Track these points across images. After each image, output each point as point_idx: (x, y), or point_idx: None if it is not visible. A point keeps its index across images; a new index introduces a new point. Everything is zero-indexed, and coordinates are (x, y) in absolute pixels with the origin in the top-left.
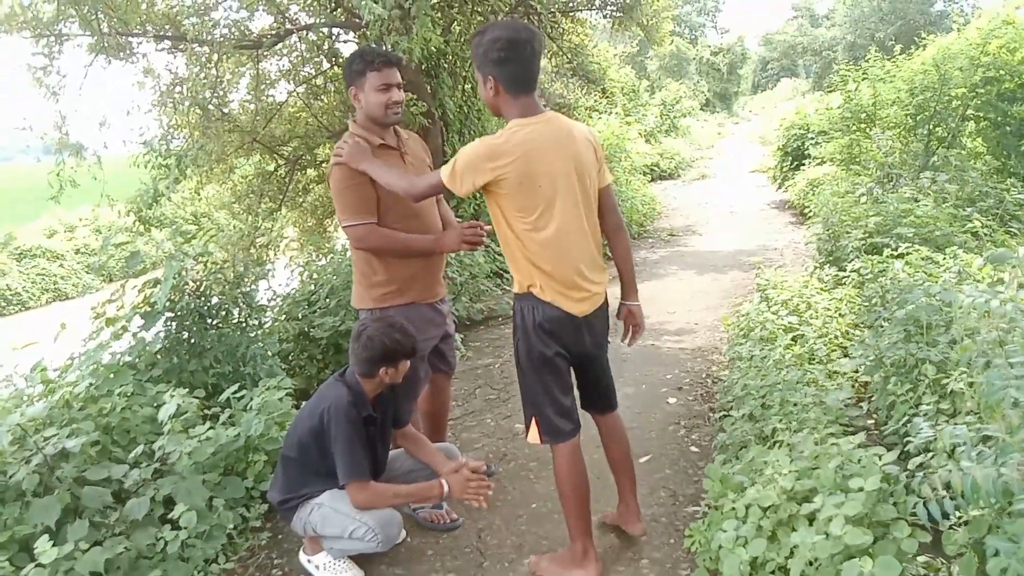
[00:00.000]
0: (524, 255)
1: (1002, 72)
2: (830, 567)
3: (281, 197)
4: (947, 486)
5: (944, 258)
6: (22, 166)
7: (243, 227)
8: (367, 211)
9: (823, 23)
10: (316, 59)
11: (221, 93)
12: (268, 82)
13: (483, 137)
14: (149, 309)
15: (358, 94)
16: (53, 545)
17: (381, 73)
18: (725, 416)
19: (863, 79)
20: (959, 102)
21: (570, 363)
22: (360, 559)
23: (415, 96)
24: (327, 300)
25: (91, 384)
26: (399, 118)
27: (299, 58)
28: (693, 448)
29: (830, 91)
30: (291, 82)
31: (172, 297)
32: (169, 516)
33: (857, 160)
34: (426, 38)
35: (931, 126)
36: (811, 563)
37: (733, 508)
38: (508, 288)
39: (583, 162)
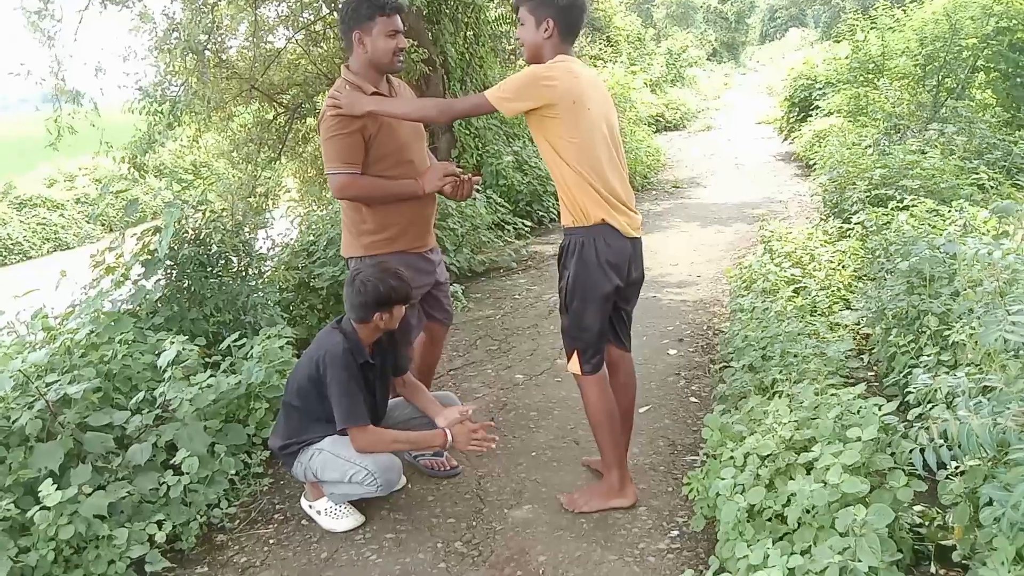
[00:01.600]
0: (580, 181)
1: (1015, 22)
2: (826, 515)
3: (280, 146)
4: (944, 435)
5: (949, 211)
6: (21, 115)
7: (242, 176)
8: (352, 160)
9: None
10: (315, 4)
11: (219, 39)
12: (266, 28)
13: (533, 66)
14: (149, 257)
15: (363, 39)
16: (57, 489)
17: (391, 19)
18: (725, 367)
19: (872, 28)
20: (969, 52)
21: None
22: (361, 505)
23: (416, 43)
24: (326, 250)
25: (92, 331)
26: (403, 66)
27: (298, 4)
28: (693, 399)
29: (838, 41)
30: (290, 28)
31: (172, 245)
32: (171, 462)
33: (864, 111)
34: None
35: (940, 77)
36: (808, 511)
37: (731, 457)
38: (510, 240)
39: (612, 106)
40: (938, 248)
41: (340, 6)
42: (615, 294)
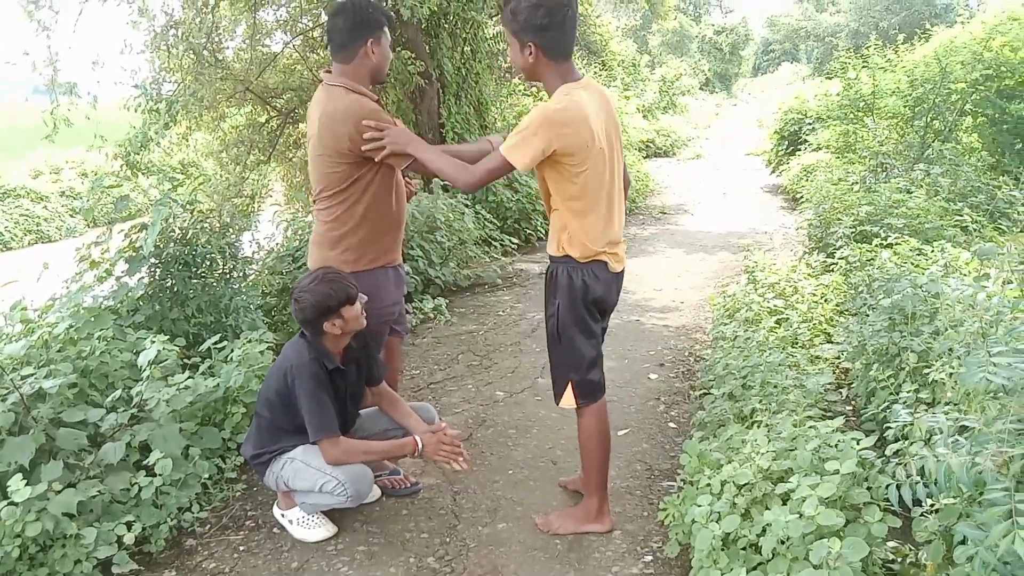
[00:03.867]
0: (578, 218)
1: (1003, 69)
2: (801, 546)
3: (271, 150)
4: (921, 472)
5: (932, 250)
6: (9, 104)
7: (230, 177)
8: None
9: (828, 8)
10: (314, 11)
11: (216, 39)
12: (264, 31)
13: (539, 106)
14: (134, 254)
15: (374, 47)
16: (26, 484)
17: (392, 31)
18: (705, 394)
19: (864, 67)
20: (958, 96)
21: None
22: (334, 516)
23: (413, 55)
24: None
25: (71, 326)
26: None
27: (297, 9)
28: (671, 424)
29: (830, 78)
30: (287, 33)
31: (158, 243)
32: (144, 462)
33: (852, 148)
34: None
35: (928, 118)
36: (782, 541)
37: (708, 484)
38: (496, 256)
39: (617, 125)
40: (920, 287)
41: (333, 12)
42: (597, 321)
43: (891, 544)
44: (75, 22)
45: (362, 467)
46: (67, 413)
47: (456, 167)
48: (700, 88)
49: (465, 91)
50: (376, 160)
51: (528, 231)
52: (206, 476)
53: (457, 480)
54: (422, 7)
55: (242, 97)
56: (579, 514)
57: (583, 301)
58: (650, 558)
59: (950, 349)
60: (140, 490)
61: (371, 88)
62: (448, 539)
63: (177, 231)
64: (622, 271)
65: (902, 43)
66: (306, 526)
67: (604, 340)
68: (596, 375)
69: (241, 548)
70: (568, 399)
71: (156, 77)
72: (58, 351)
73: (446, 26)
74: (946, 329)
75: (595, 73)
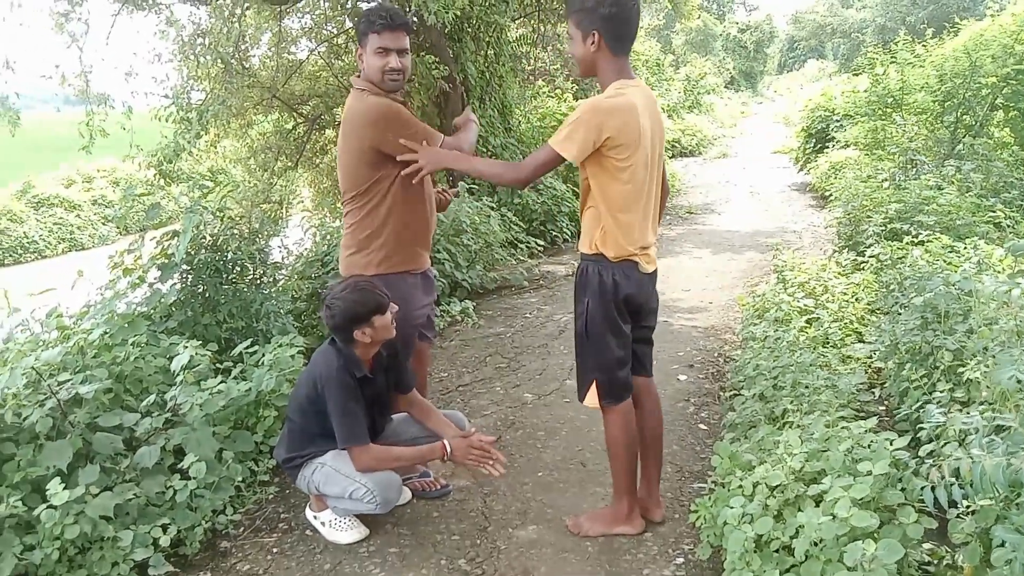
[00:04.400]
0: (615, 216)
1: None
2: (834, 548)
3: (298, 156)
4: (956, 473)
5: (964, 247)
6: (42, 115)
7: (258, 184)
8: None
9: (854, 4)
10: (339, 18)
11: (243, 48)
12: (290, 39)
13: (589, 99)
14: (166, 261)
15: (362, 55)
16: (64, 488)
17: (380, 36)
18: (735, 395)
19: (891, 63)
20: (989, 91)
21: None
22: (365, 518)
23: (437, 59)
24: None
25: (106, 332)
26: (397, 86)
27: (322, 16)
28: (702, 426)
29: (857, 74)
30: (313, 40)
31: (189, 250)
32: (179, 466)
33: (881, 145)
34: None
35: (958, 114)
36: (816, 543)
37: (740, 486)
38: (523, 258)
39: (661, 130)
40: (953, 284)
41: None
42: (633, 323)
43: (927, 546)
44: (107, 35)
45: (390, 474)
46: (103, 418)
47: (502, 167)
48: (725, 87)
49: (489, 94)
50: (414, 182)
51: (554, 233)
52: (239, 479)
53: (487, 482)
54: (447, 12)
55: (269, 104)
56: (608, 516)
57: (613, 300)
58: (681, 560)
59: (985, 348)
60: (175, 493)
61: (393, 92)
62: (479, 541)
63: (208, 238)
64: (654, 272)
65: (930, 38)
66: (338, 528)
67: (653, 343)
68: (622, 376)
69: (274, 550)
70: (591, 398)
71: (185, 86)
72: (93, 357)
73: (469, 30)
74: (980, 327)
75: None
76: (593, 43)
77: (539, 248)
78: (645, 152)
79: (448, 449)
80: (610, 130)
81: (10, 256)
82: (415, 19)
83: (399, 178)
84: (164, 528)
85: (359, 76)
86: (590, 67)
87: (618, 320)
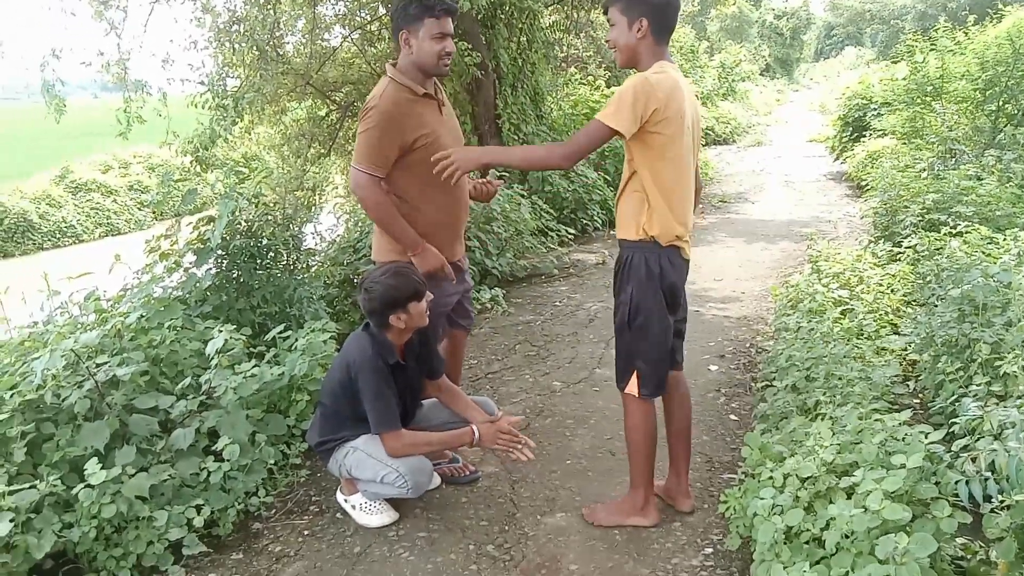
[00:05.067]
0: (665, 195)
1: None
2: (866, 541)
3: (331, 143)
4: (991, 467)
5: (1004, 239)
6: (79, 102)
7: (292, 170)
8: (380, 164)
9: None
10: (372, 4)
11: (277, 34)
12: (323, 26)
13: (634, 76)
14: (202, 246)
15: (410, 39)
16: (102, 468)
17: (440, 21)
18: (767, 386)
19: (931, 50)
20: None
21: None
22: (395, 502)
23: (470, 46)
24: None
25: (142, 316)
26: (448, 70)
27: (355, 2)
28: (732, 416)
29: (896, 61)
30: (346, 27)
31: (225, 236)
32: (213, 448)
33: (920, 134)
34: None
35: (1000, 102)
36: (847, 536)
37: (771, 477)
38: (553, 246)
39: (699, 117)
40: (992, 276)
41: (391, 4)
42: (671, 312)
43: (960, 541)
44: (145, 22)
45: (422, 459)
46: (139, 400)
47: (545, 150)
48: (760, 74)
49: (521, 81)
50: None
51: (584, 221)
52: (272, 462)
53: (516, 469)
54: (476, 1)
55: (302, 91)
56: (624, 507)
57: (660, 287)
58: (710, 550)
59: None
60: (209, 475)
61: (427, 78)
62: (507, 527)
63: (243, 224)
64: (688, 260)
65: (972, 24)
66: (368, 512)
67: (684, 336)
68: (665, 367)
69: (305, 532)
70: (632, 386)
71: (220, 73)
72: (130, 340)
73: (502, 17)
74: (1019, 320)
75: None
76: (640, 30)
77: (569, 236)
78: (687, 132)
79: (476, 434)
80: (657, 102)
81: (49, 240)
82: None
83: (415, 165)
84: (198, 509)
85: (394, 64)
86: (633, 55)
87: (665, 309)
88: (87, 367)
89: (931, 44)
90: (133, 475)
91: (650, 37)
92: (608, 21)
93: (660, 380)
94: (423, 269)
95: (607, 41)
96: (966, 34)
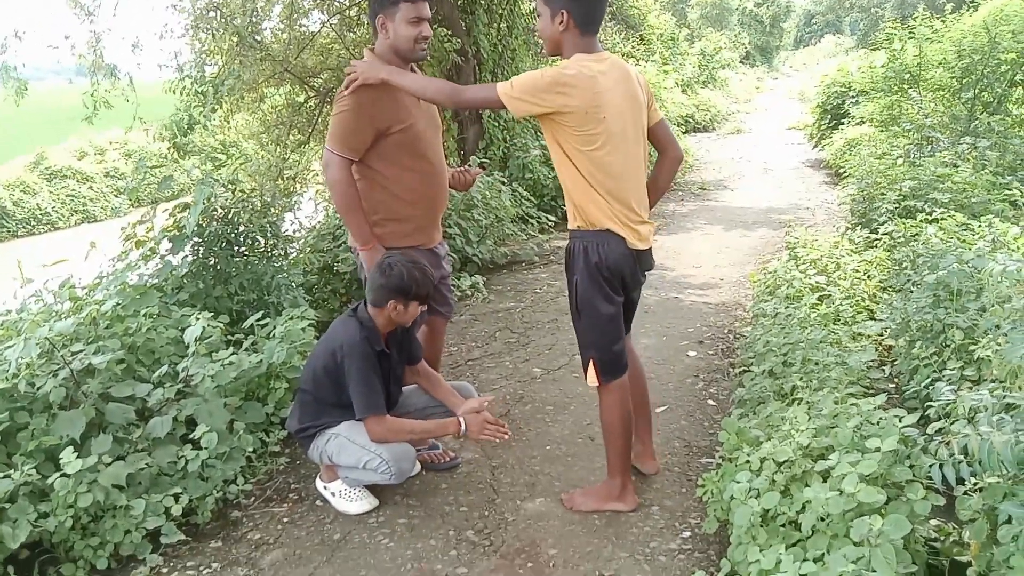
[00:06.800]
0: (588, 188)
1: None
2: (841, 523)
3: (310, 130)
4: (964, 451)
5: (979, 226)
6: (54, 86)
7: (271, 158)
8: (353, 147)
9: None
10: None
11: (254, 20)
12: (301, 11)
13: (550, 67)
14: (178, 233)
15: (386, 23)
16: (77, 457)
17: (415, 5)
18: (745, 371)
19: (910, 38)
20: (1008, 67)
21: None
22: (375, 489)
23: (449, 31)
24: None
25: (118, 303)
26: (426, 54)
27: None
28: (710, 401)
29: (874, 49)
30: (324, 12)
31: (201, 222)
32: (190, 436)
33: (897, 122)
34: None
35: (976, 90)
36: (822, 518)
37: (747, 461)
38: (533, 234)
39: (639, 102)
40: (966, 262)
41: None
42: (619, 296)
43: (934, 522)
44: (115, 5)
45: (405, 445)
46: (115, 388)
47: (438, 85)
48: (740, 61)
49: (501, 67)
50: (347, 93)
51: (565, 208)
52: (250, 450)
53: (495, 455)
54: None
55: (281, 78)
56: (602, 492)
57: (600, 271)
58: (688, 534)
59: (997, 325)
60: (187, 463)
61: (405, 64)
62: (487, 513)
63: (219, 210)
64: (647, 250)
65: (951, 13)
66: (348, 499)
67: (633, 317)
68: (616, 351)
69: (285, 520)
70: (592, 376)
71: (198, 60)
72: (106, 328)
73: (482, 2)
74: (992, 305)
75: (633, 47)
76: (562, 22)
77: (550, 223)
78: (620, 118)
79: (463, 426)
80: (561, 102)
81: (23, 227)
82: None
83: (388, 149)
84: (176, 497)
85: (372, 48)
86: (556, 46)
87: (609, 300)
88: (62, 355)
89: (910, 32)
90: (110, 464)
91: (574, 29)
92: (535, 12)
93: (616, 362)
94: (367, 265)
95: (534, 31)
96: (944, 22)
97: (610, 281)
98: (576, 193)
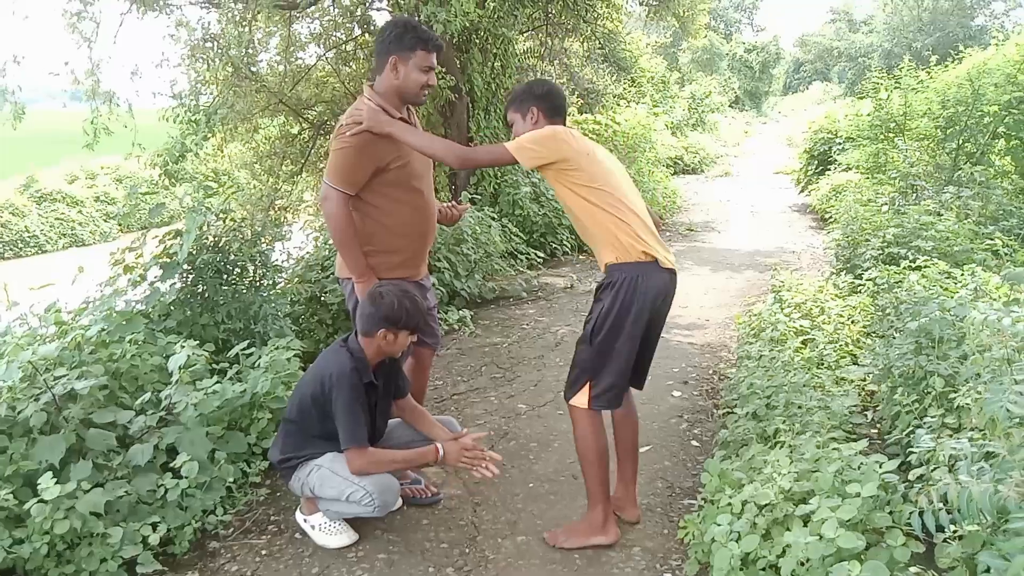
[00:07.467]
0: (610, 217)
1: None
2: (820, 569)
3: (303, 161)
4: (944, 499)
5: (962, 274)
6: (47, 110)
7: (263, 187)
8: (352, 182)
9: (861, 28)
10: (348, 25)
11: (251, 52)
12: (298, 44)
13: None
14: (168, 260)
15: (399, 65)
16: (56, 483)
17: (430, 55)
18: (728, 413)
19: (895, 88)
20: (991, 119)
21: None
22: (355, 523)
23: (444, 69)
24: None
25: (103, 329)
26: (425, 101)
27: (331, 22)
28: (694, 442)
29: (861, 97)
30: (321, 46)
31: (192, 250)
32: (171, 465)
33: (882, 169)
34: (465, 11)
35: (960, 140)
36: (802, 563)
37: (729, 503)
38: (522, 269)
39: (622, 166)
40: (948, 310)
41: (382, 25)
42: (646, 328)
43: (913, 570)
44: (115, 34)
45: (389, 478)
46: (97, 414)
47: (448, 147)
48: (730, 106)
49: (494, 105)
50: (348, 134)
51: (554, 245)
52: (231, 480)
53: (478, 492)
54: (454, 23)
55: (275, 109)
56: (583, 527)
57: (636, 299)
58: (669, 575)
59: (977, 374)
60: (166, 492)
61: (403, 103)
62: (468, 550)
63: (210, 239)
64: (675, 273)
65: (935, 64)
66: (328, 532)
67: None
68: (623, 386)
69: (263, 552)
70: (581, 397)
71: (193, 89)
72: (90, 353)
73: (477, 41)
74: (973, 354)
75: (624, 89)
76: (533, 118)
77: (539, 260)
78: (609, 167)
79: (441, 452)
80: (565, 150)
81: (10, 250)
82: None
83: (385, 186)
84: (154, 526)
85: (371, 84)
86: None
87: (634, 321)
88: (44, 379)
89: (895, 82)
90: (88, 491)
91: (544, 120)
92: (509, 125)
93: (617, 396)
94: (360, 297)
95: (513, 138)
96: (929, 73)
97: (644, 307)
98: (601, 230)
